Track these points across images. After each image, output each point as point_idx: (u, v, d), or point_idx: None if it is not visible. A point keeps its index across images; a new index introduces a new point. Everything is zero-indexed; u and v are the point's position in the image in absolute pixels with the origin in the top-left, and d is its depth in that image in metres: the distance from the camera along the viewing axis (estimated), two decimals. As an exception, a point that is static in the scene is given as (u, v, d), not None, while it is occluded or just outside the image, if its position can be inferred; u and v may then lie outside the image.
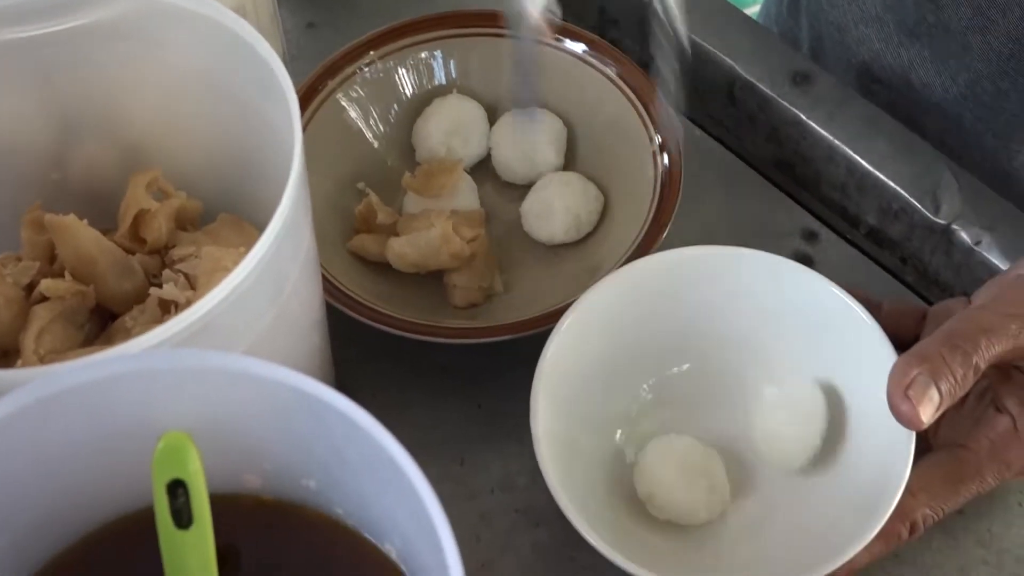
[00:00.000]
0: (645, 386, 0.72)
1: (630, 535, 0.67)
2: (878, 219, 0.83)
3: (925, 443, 0.67)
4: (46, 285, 0.61)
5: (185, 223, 0.67)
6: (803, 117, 0.84)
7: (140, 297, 0.63)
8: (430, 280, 0.77)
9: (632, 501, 0.69)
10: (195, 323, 0.48)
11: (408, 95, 0.83)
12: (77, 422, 0.48)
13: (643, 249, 0.73)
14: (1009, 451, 0.65)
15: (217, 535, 0.47)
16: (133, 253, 0.65)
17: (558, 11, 0.65)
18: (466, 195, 0.79)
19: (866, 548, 0.61)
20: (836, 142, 0.83)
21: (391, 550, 0.51)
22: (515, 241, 0.80)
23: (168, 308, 0.61)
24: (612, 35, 0.95)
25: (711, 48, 0.88)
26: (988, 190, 0.80)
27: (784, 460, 0.69)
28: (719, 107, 0.89)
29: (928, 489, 0.64)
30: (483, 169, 0.83)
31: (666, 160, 0.76)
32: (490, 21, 0.82)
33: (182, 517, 0.46)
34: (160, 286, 0.61)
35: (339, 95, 0.80)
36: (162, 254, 0.65)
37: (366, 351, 0.75)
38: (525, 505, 0.71)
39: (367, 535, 0.52)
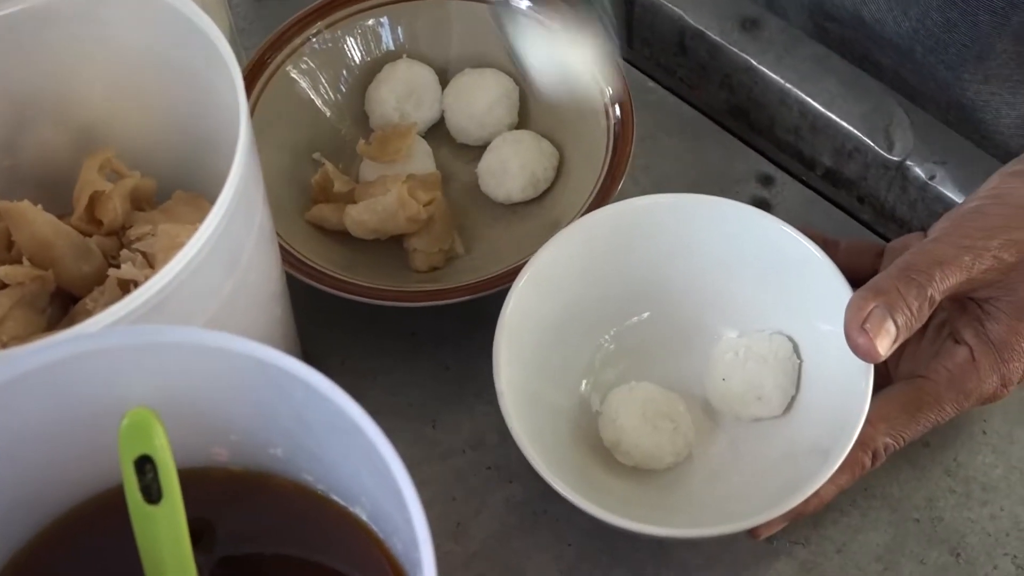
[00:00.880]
0: (607, 336, 0.73)
1: (599, 483, 0.67)
2: (833, 160, 0.83)
3: (886, 378, 0.68)
4: (4, 272, 0.61)
5: (141, 202, 0.67)
6: (753, 62, 0.85)
7: (100, 279, 0.63)
8: (391, 246, 0.77)
9: (599, 450, 0.69)
10: (151, 299, 0.48)
11: (358, 63, 0.83)
12: (41, 404, 0.48)
13: (599, 202, 0.73)
14: (967, 381, 0.66)
15: (188, 509, 0.47)
16: (90, 235, 0.65)
17: None
18: (422, 159, 0.80)
19: (832, 480, 0.62)
20: (787, 85, 0.83)
21: (361, 512, 0.52)
22: (473, 202, 0.80)
23: (128, 287, 0.61)
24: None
25: (660, 0, 0.88)
26: (940, 125, 0.81)
27: (760, 413, 0.69)
28: (670, 57, 0.90)
29: (887, 418, 0.65)
30: (437, 132, 0.83)
31: (618, 111, 0.77)
32: (434, -16, 0.82)
33: (152, 492, 0.46)
34: (119, 267, 0.62)
35: (288, 67, 0.80)
36: (119, 235, 0.65)
37: (332, 320, 0.75)
38: (497, 462, 0.72)
39: (337, 499, 0.52)
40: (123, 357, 0.47)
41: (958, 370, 0.66)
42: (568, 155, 0.80)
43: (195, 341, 0.46)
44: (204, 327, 0.52)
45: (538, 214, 0.79)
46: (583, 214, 0.72)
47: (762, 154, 0.85)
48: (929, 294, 0.62)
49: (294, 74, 0.80)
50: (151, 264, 0.61)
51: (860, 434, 0.62)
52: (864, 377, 0.63)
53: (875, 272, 0.68)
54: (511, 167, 0.78)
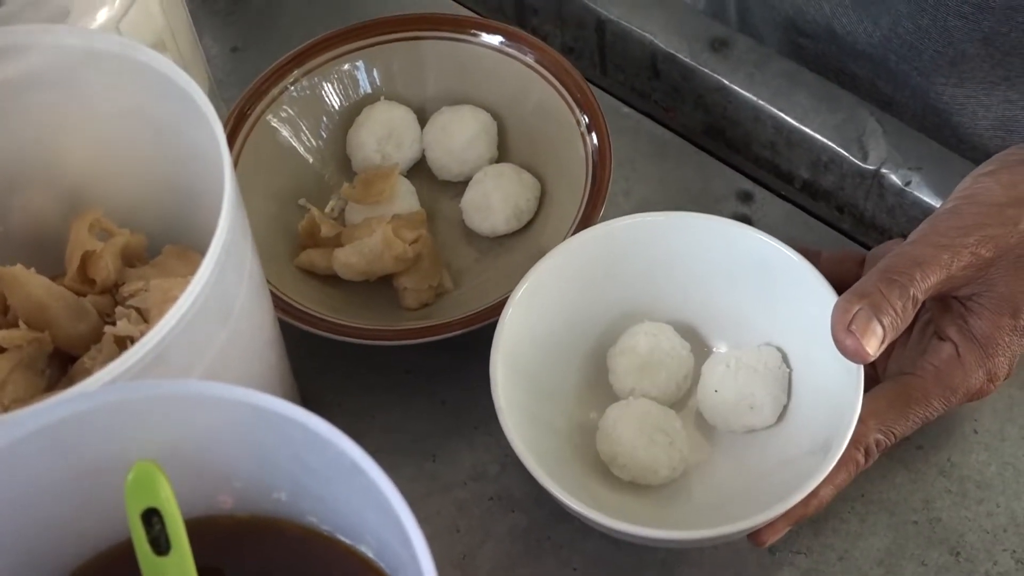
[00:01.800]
0: (601, 353, 0.74)
1: (599, 497, 0.68)
2: (810, 172, 0.84)
3: (875, 381, 0.69)
4: (2, 336, 0.62)
5: (132, 259, 0.68)
6: (726, 82, 0.86)
7: (96, 337, 0.64)
8: (381, 286, 0.78)
9: (598, 466, 0.70)
10: (148, 354, 0.49)
11: (337, 108, 0.84)
12: (46, 464, 0.49)
13: (582, 228, 0.74)
14: (954, 377, 0.67)
15: (197, 558, 0.48)
16: (84, 295, 0.66)
17: None
18: (406, 198, 0.81)
19: (828, 480, 0.63)
20: (760, 102, 0.85)
21: (368, 550, 0.52)
22: (459, 237, 0.81)
23: (124, 344, 0.62)
24: (533, 23, 0.96)
25: (630, 25, 0.89)
26: (913, 132, 0.82)
27: (754, 423, 0.70)
28: (644, 82, 0.91)
29: (877, 414, 0.66)
30: (420, 171, 0.84)
31: (594, 139, 0.78)
32: (405, 26, 0.83)
33: (160, 544, 0.47)
34: (114, 324, 0.62)
35: (269, 116, 0.81)
36: (113, 292, 0.66)
37: (327, 363, 0.76)
38: (498, 493, 0.72)
39: (343, 538, 0.53)
40: (124, 413, 0.48)
41: (944, 366, 0.67)
42: (549, 185, 0.81)
43: (193, 392, 0.47)
44: (201, 378, 0.54)
45: (524, 245, 0.80)
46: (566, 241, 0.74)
47: (740, 171, 0.86)
48: (912, 293, 0.63)
49: (275, 123, 0.81)
50: (146, 319, 0.62)
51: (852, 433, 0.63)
52: (855, 379, 0.64)
53: (858, 280, 0.69)
54: (494, 200, 0.79)
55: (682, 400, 0.73)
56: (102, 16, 0.68)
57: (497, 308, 0.71)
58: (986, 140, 0.87)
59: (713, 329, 0.74)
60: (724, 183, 0.85)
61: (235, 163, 0.78)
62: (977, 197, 0.67)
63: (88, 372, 0.62)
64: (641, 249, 0.72)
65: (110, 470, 0.47)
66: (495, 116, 0.83)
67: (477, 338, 0.70)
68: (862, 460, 0.66)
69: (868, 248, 0.78)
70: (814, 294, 0.68)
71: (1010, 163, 0.68)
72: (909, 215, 0.80)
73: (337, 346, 0.73)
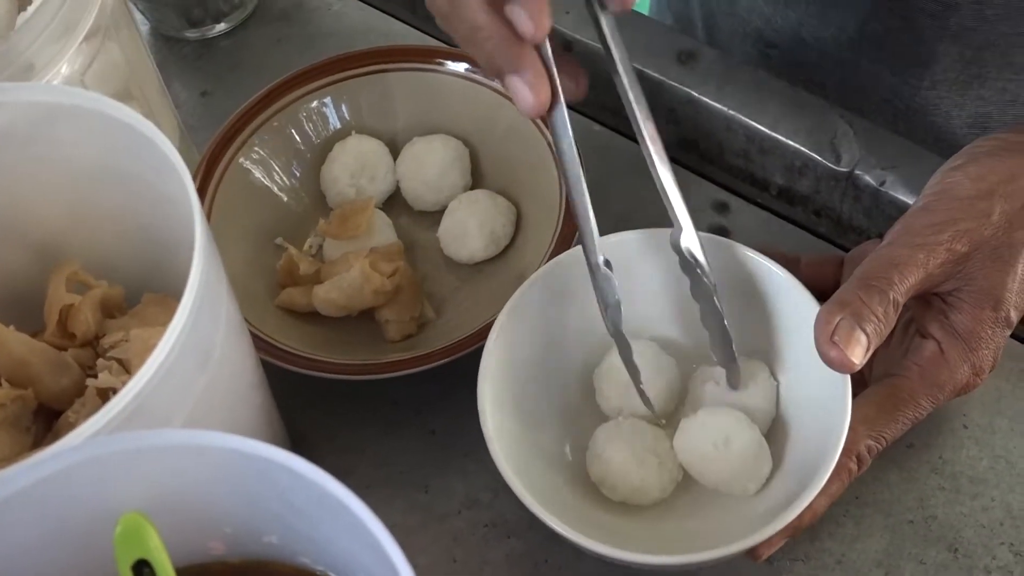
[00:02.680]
0: (586, 375, 0.74)
1: (592, 520, 0.68)
2: (784, 178, 0.85)
3: (862, 384, 0.69)
4: None
5: (111, 309, 0.68)
6: (695, 94, 0.86)
7: (80, 391, 0.64)
8: (363, 319, 0.78)
9: (590, 488, 0.70)
10: (128, 406, 0.49)
11: (308, 145, 0.84)
12: (34, 521, 0.49)
13: (560, 250, 0.74)
14: (939, 374, 0.67)
15: (192, 606, 0.48)
16: (65, 349, 0.65)
17: None
18: (383, 231, 0.81)
19: (823, 491, 0.63)
20: (731, 112, 0.85)
21: (361, 587, 0.52)
22: (438, 266, 0.82)
23: (107, 396, 0.61)
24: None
25: (596, 44, 0.89)
26: (884, 131, 0.83)
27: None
28: (614, 99, 0.91)
29: (866, 420, 0.66)
30: (395, 203, 0.84)
31: (567, 160, 0.78)
32: (371, 59, 0.83)
33: (152, 595, 0.47)
34: (96, 376, 0.62)
35: (241, 159, 0.81)
36: (94, 345, 0.66)
37: (314, 400, 0.76)
38: (493, 520, 0.72)
39: (336, 577, 0.53)
40: (108, 466, 0.48)
41: (928, 364, 0.67)
42: (525, 209, 0.81)
43: (175, 442, 0.47)
44: (185, 425, 0.54)
45: (503, 270, 0.80)
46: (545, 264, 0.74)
47: (715, 182, 0.86)
48: (892, 297, 0.63)
49: (247, 165, 0.81)
50: (128, 370, 0.62)
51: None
52: (842, 388, 0.64)
53: (838, 283, 0.69)
54: (470, 228, 0.79)
55: (670, 417, 0.73)
56: (66, 70, 0.68)
57: (480, 335, 0.71)
58: (961, 139, 0.87)
59: (697, 343, 0.73)
60: (699, 195, 0.85)
61: (209, 207, 0.78)
62: (947, 193, 0.67)
63: (73, 426, 0.61)
64: (620, 268, 0.72)
65: (99, 524, 0.47)
66: (466, 143, 0.83)
67: (462, 366, 0.70)
68: (855, 468, 0.66)
69: (847, 250, 0.78)
70: (796, 305, 0.68)
71: (977, 156, 0.68)
72: (886, 214, 0.80)
73: (323, 383, 0.73)
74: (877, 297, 0.63)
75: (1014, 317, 0.67)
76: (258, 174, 0.82)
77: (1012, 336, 0.73)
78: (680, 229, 0.68)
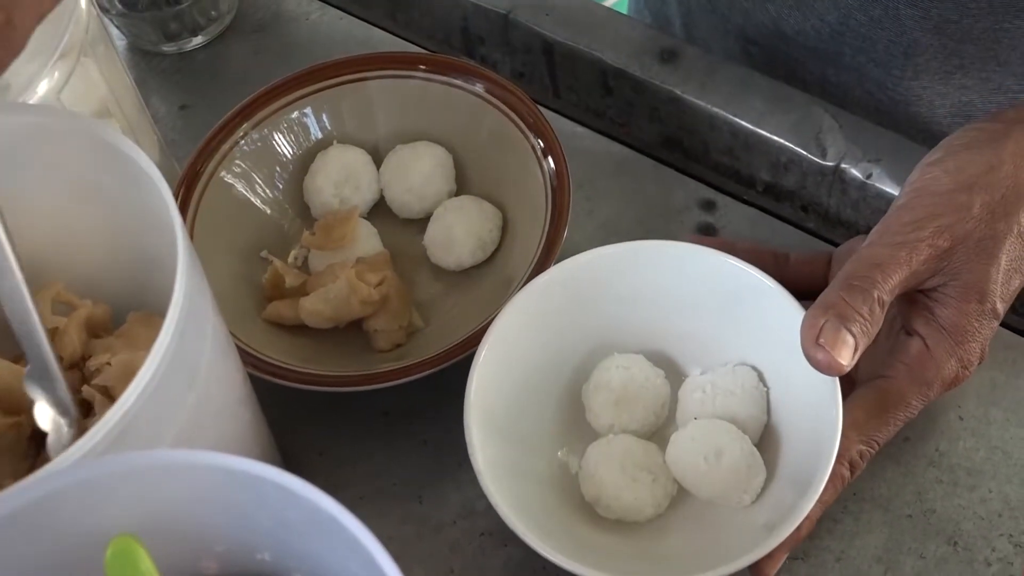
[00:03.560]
0: (575, 391, 0.73)
1: (587, 540, 0.67)
2: (771, 174, 0.84)
3: (851, 385, 0.69)
4: None
5: (97, 330, 0.67)
6: (678, 92, 0.86)
7: None
8: (352, 330, 0.78)
9: (583, 507, 0.70)
10: (113, 429, 0.49)
11: (289, 156, 0.83)
12: (24, 546, 0.48)
13: (547, 254, 0.74)
14: (926, 371, 0.67)
15: (186, 627, 0.48)
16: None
17: None
18: (368, 240, 0.80)
19: (817, 499, 0.62)
20: (714, 109, 0.85)
21: (356, 603, 0.52)
22: (425, 274, 0.81)
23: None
24: (481, 52, 0.96)
25: (577, 45, 0.89)
26: (869, 124, 0.82)
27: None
28: (597, 100, 0.91)
29: (857, 425, 0.66)
30: (380, 211, 0.84)
31: (551, 162, 0.77)
32: (351, 67, 0.83)
33: (145, 618, 0.47)
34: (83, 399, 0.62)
35: (222, 173, 0.80)
36: (80, 366, 0.65)
37: (305, 414, 0.75)
38: (489, 527, 0.72)
39: (331, 593, 0.53)
40: (96, 489, 0.47)
41: (915, 362, 0.67)
42: (511, 214, 0.80)
43: (163, 462, 0.47)
44: (174, 444, 0.53)
45: (490, 275, 0.79)
46: (533, 268, 0.73)
47: (701, 180, 0.86)
48: (876, 296, 0.63)
49: (229, 178, 0.81)
50: (112, 396, 0.61)
51: None
52: (831, 392, 0.64)
53: (827, 280, 0.69)
54: (457, 234, 0.79)
55: (661, 430, 0.72)
56: (42, 88, 0.67)
57: (470, 342, 0.70)
58: (945, 128, 0.87)
59: (685, 354, 0.73)
60: (686, 194, 0.85)
61: (192, 222, 0.78)
62: (926, 188, 0.67)
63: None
64: (604, 283, 0.71)
65: (89, 547, 0.47)
66: (450, 149, 0.83)
67: (453, 374, 0.70)
68: (847, 474, 0.66)
69: (836, 245, 0.78)
70: (783, 311, 0.67)
71: (955, 149, 0.68)
72: (873, 207, 0.80)
73: (312, 396, 0.72)
74: (861, 297, 0.63)
75: (1000, 308, 0.67)
76: (240, 187, 0.81)
77: (1005, 325, 0.73)
78: None
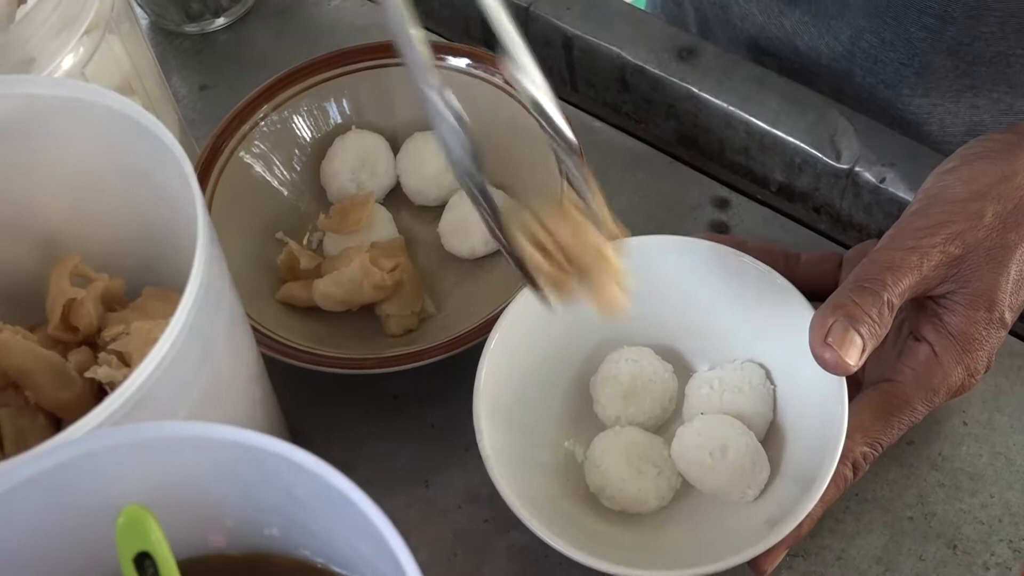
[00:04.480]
0: (583, 384, 0.74)
1: (590, 530, 0.68)
2: (784, 175, 0.85)
3: (857, 387, 0.69)
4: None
5: (112, 303, 0.68)
6: (695, 90, 0.86)
7: (80, 402, 0.63)
8: (364, 314, 0.78)
9: (588, 497, 0.70)
10: (131, 398, 0.49)
11: (308, 139, 0.84)
12: (37, 513, 0.49)
13: (560, 246, 0.74)
14: (933, 377, 0.67)
15: (194, 600, 0.48)
16: (67, 344, 0.65)
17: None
18: (383, 226, 0.81)
19: (819, 498, 0.63)
20: (731, 108, 0.85)
21: (361, 580, 0.52)
22: (439, 261, 0.82)
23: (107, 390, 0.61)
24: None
25: (596, 40, 0.90)
26: (884, 128, 0.83)
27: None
28: (614, 95, 0.91)
29: (862, 428, 0.66)
30: (395, 197, 0.84)
31: (567, 155, 0.78)
32: (371, 54, 0.83)
33: (154, 587, 0.47)
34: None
35: (241, 153, 0.81)
36: (95, 344, 0.66)
37: (314, 395, 0.76)
38: (493, 514, 0.72)
39: (337, 570, 0.53)
40: (110, 458, 0.48)
41: (922, 368, 0.67)
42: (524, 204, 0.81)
43: (176, 434, 0.47)
44: (185, 418, 0.54)
45: (503, 265, 0.79)
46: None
47: (715, 178, 0.87)
48: (886, 298, 0.63)
49: (248, 159, 0.81)
50: (127, 363, 0.62)
51: None
52: (838, 393, 0.65)
53: (837, 282, 0.70)
54: (471, 223, 0.79)
55: (667, 424, 0.73)
56: (67, 63, 0.68)
57: (481, 330, 0.71)
58: (956, 147, 0.87)
59: (693, 349, 0.74)
60: (699, 191, 0.85)
61: (210, 201, 0.78)
62: (940, 196, 0.67)
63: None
64: None
65: (100, 516, 0.47)
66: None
67: (462, 360, 0.70)
68: (851, 475, 0.66)
69: (847, 247, 0.78)
70: (791, 308, 0.68)
71: (969, 158, 0.68)
72: (885, 211, 0.80)
73: (324, 378, 0.73)
74: (871, 299, 0.63)
75: (1009, 318, 0.67)
76: (259, 168, 0.82)
77: (1012, 333, 0.74)
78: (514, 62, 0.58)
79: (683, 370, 0.74)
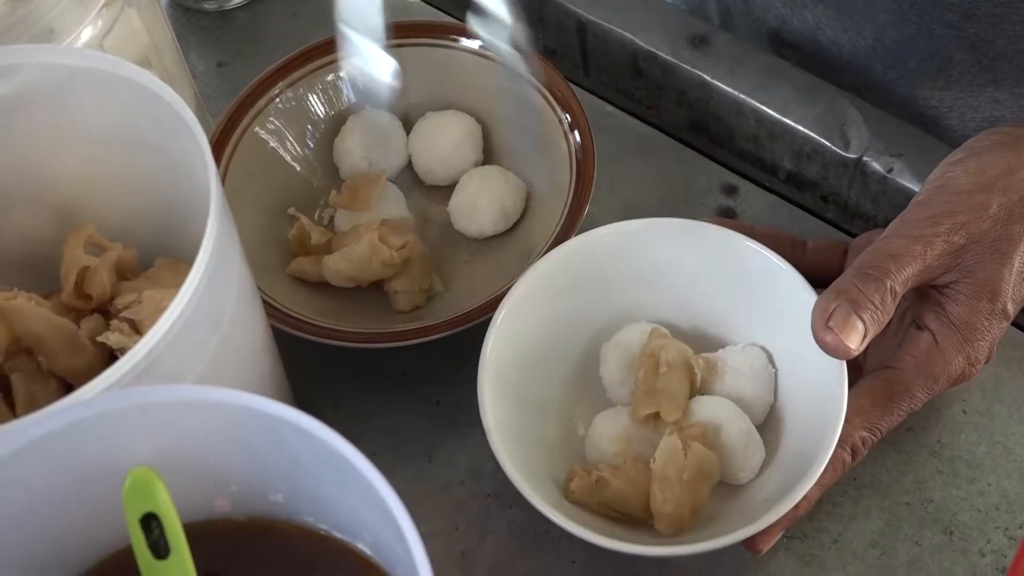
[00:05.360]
0: (587, 363, 0.74)
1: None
2: (793, 163, 0.85)
3: (858, 373, 0.70)
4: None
5: (125, 272, 0.68)
6: (707, 77, 0.87)
7: (92, 370, 0.63)
8: (373, 290, 0.79)
9: None
10: (140, 362, 0.50)
11: (322, 117, 0.85)
12: (45, 473, 0.50)
13: (568, 227, 0.75)
14: (933, 365, 0.68)
15: (198, 563, 0.48)
16: (80, 311, 0.66)
17: None
18: (394, 204, 0.82)
19: (816, 481, 0.63)
20: (741, 96, 0.86)
21: (364, 547, 0.53)
22: (448, 240, 0.82)
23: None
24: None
25: (610, 26, 0.90)
26: (893, 119, 0.83)
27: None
28: (627, 81, 0.92)
29: (862, 412, 0.67)
30: (407, 176, 0.85)
31: (577, 136, 0.79)
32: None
33: (159, 548, 0.48)
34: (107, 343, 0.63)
35: (256, 128, 0.82)
36: (107, 312, 0.67)
37: (322, 368, 0.77)
38: (495, 489, 0.73)
39: (340, 536, 0.54)
40: (119, 420, 0.49)
41: (923, 356, 0.68)
42: (535, 186, 0.82)
43: (185, 398, 0.48)
44: (195, 384, 0.54)
45: (511, 245, 0.81)
46: (553, 241, 0.74)
47: (724, 165, 0.87)
48: (889, 285, 0.64)
49: (262, 134, 0.82)
50: (139, 330, 0.63)
51: None
52: (838, 377, 0.65)
53: (842, 269, 0.70)
54: (481, 203, 0.80)
55: None
56: (86, 35, 0.69)
57: (486, 308, 0.72)
58: None
59: (697, 331, 0.74)
60: (708, 177, 0.86)
61: (224, 175, 0.79)
62: (946, 186, 0.68)
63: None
64: (623, 257, 0.72)
65: (108, 477, 0.48)
66: (478, 119, 0.84)
67: (469, 338, 0.71)
68: (849, 459, 0.67)
69: (853, 236, 0.79)
70: (795, 293, 0.68)
71: (977, 150, 0.69)
72: (892, 202, 0.81)
73: (331, 352, 0.73)
74: (874, 285, 0.64)
75: (1011, 309, 0.68)
76: (273, 144, 0.83)
77: (1013, 324, 0.74)
78: None
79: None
